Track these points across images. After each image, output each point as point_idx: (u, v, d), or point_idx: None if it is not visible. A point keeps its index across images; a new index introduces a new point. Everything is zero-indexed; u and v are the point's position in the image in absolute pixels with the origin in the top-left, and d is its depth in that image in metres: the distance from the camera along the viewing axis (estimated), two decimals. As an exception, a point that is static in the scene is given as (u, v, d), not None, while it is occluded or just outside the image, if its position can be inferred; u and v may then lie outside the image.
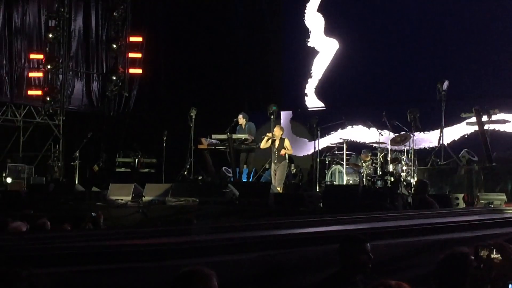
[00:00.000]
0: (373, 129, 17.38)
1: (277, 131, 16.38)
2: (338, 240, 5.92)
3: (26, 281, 3.35)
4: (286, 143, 16.33)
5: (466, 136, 17.35)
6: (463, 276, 3.61)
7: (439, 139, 15.90)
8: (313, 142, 17.60)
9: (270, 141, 16.35)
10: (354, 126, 19.49)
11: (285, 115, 21.86)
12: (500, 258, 3.40)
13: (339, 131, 19.31)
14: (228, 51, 22.59)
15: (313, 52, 21.88)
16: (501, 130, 16.58)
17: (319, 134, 17.32)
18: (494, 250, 3.43)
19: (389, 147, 15.96)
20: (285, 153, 16.25)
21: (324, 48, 21.67)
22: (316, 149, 17.35)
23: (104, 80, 22.39)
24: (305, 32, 22.01)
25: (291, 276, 5.54)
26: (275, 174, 16.18)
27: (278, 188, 15.43)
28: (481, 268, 3.48)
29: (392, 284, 3.20)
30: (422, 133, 16.85)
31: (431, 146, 17.66)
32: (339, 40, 21.38)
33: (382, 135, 16.67)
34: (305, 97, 21.87)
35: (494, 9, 18.46)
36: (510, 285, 3.30)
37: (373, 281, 3.91)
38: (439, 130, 16.06)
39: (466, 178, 13.98)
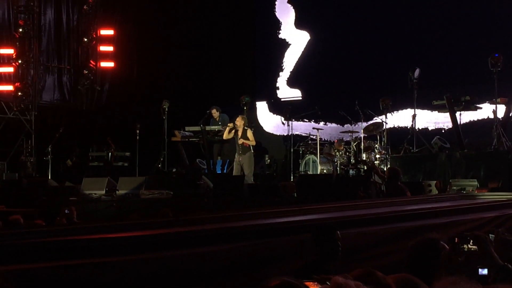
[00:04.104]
0: (346, 122, 17.50)
1: (239, 121, 16.19)
2: (311, 229, 5.98)
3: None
4: (249, 134, 16.12)
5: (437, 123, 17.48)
6: (433, 262, 3.66)
7: (412, 127, 16.03)
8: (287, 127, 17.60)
9: (233, 131, 16.25)
10: (328, 123, 19.55)
11: (259, 106, 21.93)
12: (476, 249, 3.43)
13: (312, 122, 19.29)
14: (200, 43, 22.54)
15: (285, 43, 21.91)
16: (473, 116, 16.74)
17: (292, 124, 17.35)
18: (471, 241, 3.46)
19: (362, 135, 16.05)
20: (248, 144, 16.08)
21: (296, 39, 21.71)
22: (290, 139, 17.36)
23: (75, 74, 22.21)
24: (277, 23, 22.03)
25: (267, 266, 5.56)
26: (240, 165, 16.01)
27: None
28: (452, 255, 3.51)
29: (379, 275, 3.23)
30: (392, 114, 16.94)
31: (401, 126, 17.89)
32: (310, 31, 21.43)
33: (354, 124, 16.78)
34: (278, 88, 21.92)
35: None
36: (479, 270, 3.34)
37: (348, 269, 3.94)
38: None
39: (446, 164, 14.08)
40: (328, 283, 2.78)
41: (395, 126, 17.96)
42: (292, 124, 17.26)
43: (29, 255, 4.52)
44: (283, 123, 17.69)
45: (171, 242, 5.38)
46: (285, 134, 18.48)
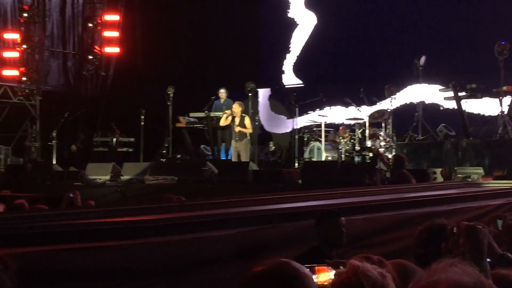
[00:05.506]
0: (351, 107, 17.40)
1: (236, 108, 16.19)
2: (316, 215, 5.97)
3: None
4: (246, 121, 16.10)
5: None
6: (440, 247, 3.62)
7: (417, 115, 15.99)
8: (292, 119, 17.60)
9: (230, 118, 16.24)
10: (332, 107, 19.44)
11: (263, 93, 21.83)
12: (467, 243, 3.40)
13: (317, 111, 19.10)
14: (205, 28, 22.46)
15: (290, 28, 21.80)
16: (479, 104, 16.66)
17: (297, 111, 17.32)
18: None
19: (367, 123, 16.00)
20: (246, 132, 16.04)
21: (302, 23, 21.60)
22: (294, 126, 17.34)
23: (80, 59, 22.22)
24: (284, 6, 21.89)
25: (271, 252, 5.55)
26: (237, 152, 16.04)
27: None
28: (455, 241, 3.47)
29: (375, 259, 3.21)
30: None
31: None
32: (317, 14, 21.31)
33: (360, 111, 16.72)
34: (283, 74, 21.84)
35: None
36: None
37: (352, 255, 3.92)
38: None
39: (451, 152, 14.04)
40: (341, 267, 2.76)
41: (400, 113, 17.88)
42: (297, 111, 17.23)
43: (32, 239, 4.51)
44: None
45: (174, 227, 5.37)
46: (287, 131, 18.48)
